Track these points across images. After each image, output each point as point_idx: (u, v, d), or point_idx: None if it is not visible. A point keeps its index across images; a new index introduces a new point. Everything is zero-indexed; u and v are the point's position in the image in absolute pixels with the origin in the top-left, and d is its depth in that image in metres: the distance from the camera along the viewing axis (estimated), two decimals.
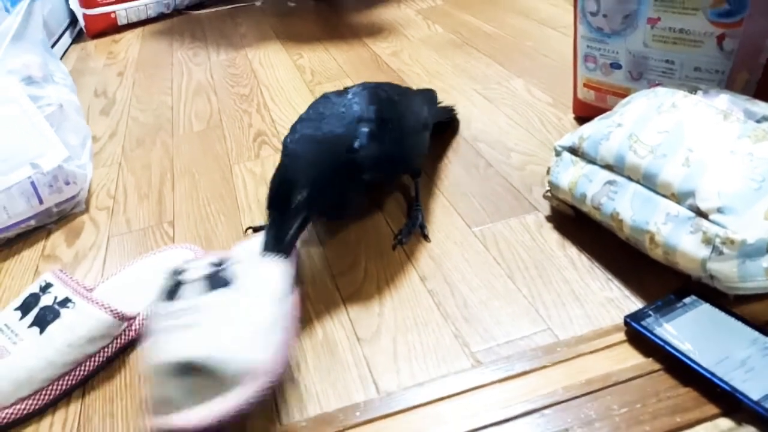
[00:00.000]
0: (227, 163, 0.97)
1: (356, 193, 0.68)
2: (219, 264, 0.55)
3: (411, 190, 0.80)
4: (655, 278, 0.57)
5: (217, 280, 0.53)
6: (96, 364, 0.61)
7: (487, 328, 0.58)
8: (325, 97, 0.75)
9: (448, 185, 0.80)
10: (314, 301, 0.65)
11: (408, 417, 0.49)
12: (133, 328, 0.63)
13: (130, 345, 0.63)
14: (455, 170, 0.83)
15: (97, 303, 0.61)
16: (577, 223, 0.67)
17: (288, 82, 1.25)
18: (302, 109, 1.10)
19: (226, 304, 0.51)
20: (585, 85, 0.85)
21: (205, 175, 0.95)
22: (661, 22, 0.72)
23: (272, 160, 0.96)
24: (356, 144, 0.65)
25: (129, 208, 0.90)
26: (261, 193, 0.87)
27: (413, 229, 0.72)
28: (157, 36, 1.71)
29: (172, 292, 0.53)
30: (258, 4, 1.81)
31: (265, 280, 0.54)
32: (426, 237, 0.71)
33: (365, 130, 0.66)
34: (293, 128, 0.71)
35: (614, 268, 0.62)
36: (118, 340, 0.62)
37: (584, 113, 0.88)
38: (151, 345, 0.51)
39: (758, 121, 0.55)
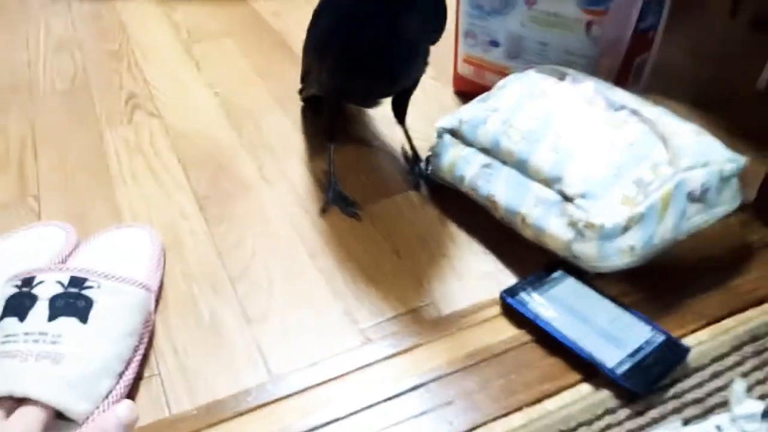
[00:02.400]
0: (97, 129, 0.91)
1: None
2: (78, 284, 0.53)
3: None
4: (527, 254, 0.62)
5: (69, 305, 0.51)
6: None
7: (376, 304, 0.60)
8: None
9: (336, 160, 0.81)
10: (200, 281, 0.64)
11: (300, 399, 0.51)
12: None
13: None
14: (345, 145, 0.83)
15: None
16: (457, 199, 0.71)
17: (162, 38, 1.17)
18: (179, 69, 1.06)
19: (68, 338, 0.49)
20: (465, 61, 0.88)
21: (73, 142, 0.88)
22: (537, 4, 0.76)
23: (147, 125, 0.91)
24: None
25: None
26: (136, 163, 0.82)
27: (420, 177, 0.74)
28: None
29: (21, 308, 0.51)
30: None
31: (121, 309, 0.53)
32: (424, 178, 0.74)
33: None
34: None
35: (491, 244, 0.66)
36: None
37: (464, 88, 0.92)
38: None
39: (617, 110, 0.61)
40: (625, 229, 0.54)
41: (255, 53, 1.09)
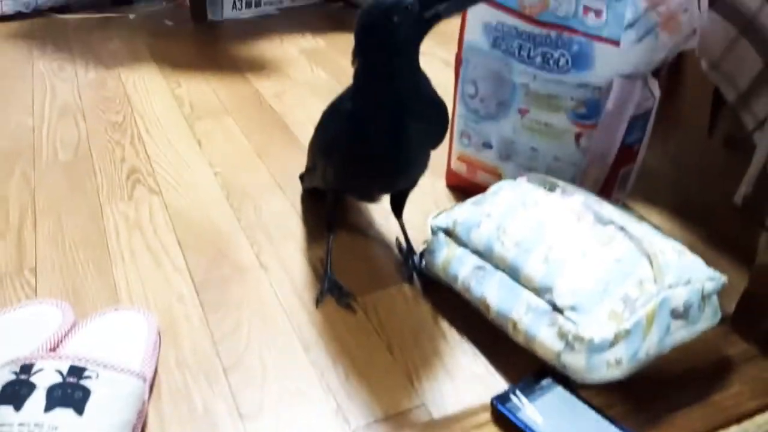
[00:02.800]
0: (97, 203, 0.93)
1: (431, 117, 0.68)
2: (77, 373, 0.53)
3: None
4: (517, 357, 0.64)
5: (66, 396, 0.52)
6: None
7: (368, 403, 0.61)
8: None
9: (334, 248, 0.83)
10: (194, 370, 0.64)
11: None
12: None
13: None
14: (340, 232, 0.86)
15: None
16: (450, 295, 0.73)
17: (165, 113, 1.21)
18: (180, 146, 1.09)
19: (63, 431, 0.50)
20: (459, 159, 0.92)
21: (73, 215, 0.90)
22: (530, 113, 0.81)
23: (147, 202, 0.93)
24: None
25: None
26: (135, 241, 0.84)
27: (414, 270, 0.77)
28: (14, 40, 1.58)
29: (17, 396, 0.51)
30: (131, 17, 1.73)
31: (117, 400, 0.54)
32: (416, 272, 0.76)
33: None
34: None
35: (481, 344, 0.68)
36: None
37: (456, 183, 0.95)
38: None
39: (605, 224, 0.64)
40: (613, 343, 0.56)
41: (256, 134, 1.13)
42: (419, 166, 0.71)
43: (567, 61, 0.73)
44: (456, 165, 0.93)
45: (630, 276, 0.59)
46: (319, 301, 0.74)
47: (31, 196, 0.94)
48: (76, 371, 0.54)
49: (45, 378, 0.53)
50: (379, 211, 0.91)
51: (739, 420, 0.58)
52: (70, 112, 1.20)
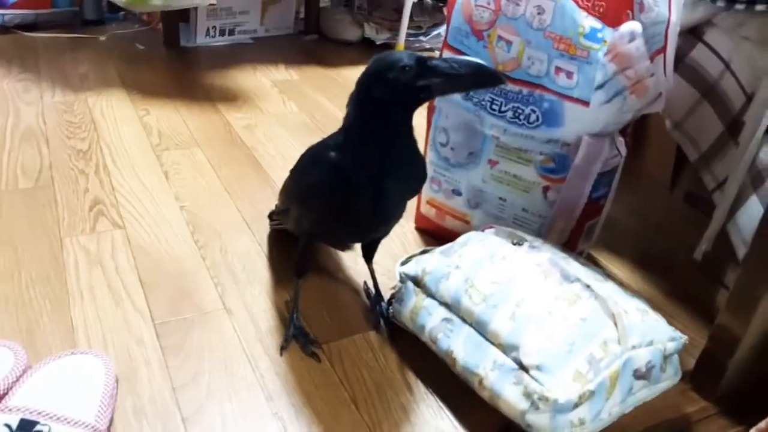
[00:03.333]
0: (57, 235, 0.90)
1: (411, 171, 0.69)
2: (27, 427, 0.51)
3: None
4: (483, 413, 0.64)
5: None
6: None
7: None
8: None
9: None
10: (151, 420, 0.62)
11: None
12: None
13: None
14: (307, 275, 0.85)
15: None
16: (416, 345, 0.72)
17: (132, 141, 1.19)
18: (147, 177, 1.08)
19: None
20: (428, 203, 0.93)
21: (30, 247, 0.87)
22: (499, 164, 0.82)
23: (109, 236, 0.90)
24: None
25: None
26: (95, 278, 0.82)
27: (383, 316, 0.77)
28: None
29: None
30: (102, 39, 1.71)
31: None
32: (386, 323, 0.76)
33: None
34: None
35: (446, 397, 0.67)
36: None
37: (425, 226, 0.96)
38: None
39: (571, 282, 0.65)
40: (577, 404, 0.57)
41: (225, 167, 1.12)
42: (396, 217, 0.71)
43: (537, 117, 0.75)
44: (425, 209, 0.94)
45: (595, 336, 0.60)
46: (283, 348, 0.72)
47: None
48: (27, 425, 0.51)
49: None
50: (348, 254, 0.90)
51: None
52: (33, 137, 1.17)
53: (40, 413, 0.53)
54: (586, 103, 0.71)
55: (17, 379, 0.63)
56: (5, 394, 0.62)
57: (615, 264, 0.92)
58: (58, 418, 0.53)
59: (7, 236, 0.89)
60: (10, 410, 0.52)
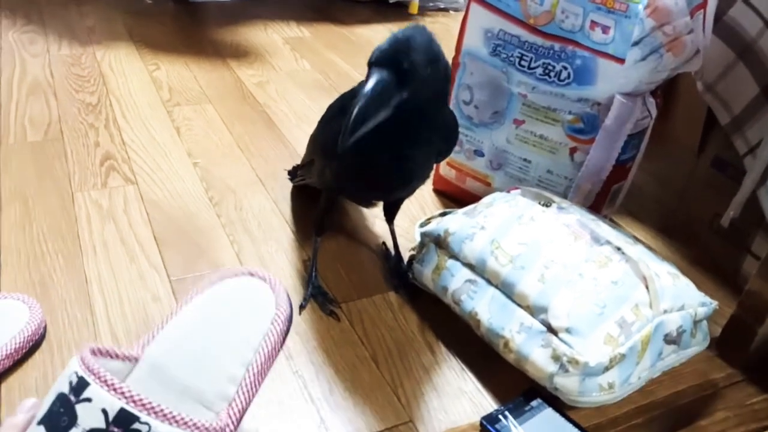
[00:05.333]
0: (68, 190, 0.88)
1: (434, 132, 0.63)
2: (123, 423, 0.41)
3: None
4: (505, 375, 0.63)
5: None
6: None
7: (352, 418, 0.59)
8: None
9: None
10: None
11: None
12: None
13: None
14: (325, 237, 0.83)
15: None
16: (436, 307, 0.71)
17: (142, 96, 1.16)
18: (158, 133, 1.05)
19: None
20: (448, 164, 0.90)
21: (41, 201, 0.85)
22: (525, 124, 0.79)
23: (122, 191, 0.88)
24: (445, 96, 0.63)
25: None
26: (108, 233, 0.80)
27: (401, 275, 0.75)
28: None
29: (57, 426, 0.41)
30: None
31: None
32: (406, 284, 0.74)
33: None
34: None
35: (469, 359, 0.66)
36: None
37: (443, 188, 0.94)
38: None
39: (601, 244, 0.63)
40: (607, 368, 0.55)
41: (237, 124, 1.09)
42: (421, 178, 0.69)
43: (568, 75, 0.72)
44: (445, 170, 0.91)
45: (626, 299, 0.58)
46: (302, 307, 0.71)
47: None
48: (124, 419, 0.41)
49: (88, 416, 0.41)
50: (366, 214, 0.88)
51: None
52: (40, 90, 1.14)
53: (150, 407, 0.42)
54: (621, 60, 0.68)
55: (32, 334, 0.62)
56: (21, 348, 0.61)
57: (637, 230, 0.90)
58: (166, 417, 0.42)
59: (17, 189, 0.87)
60: (116, 391, 0.42)
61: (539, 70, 0.74)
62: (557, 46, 0.72)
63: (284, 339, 0.50)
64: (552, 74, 0.73)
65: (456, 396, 0.62)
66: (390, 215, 0.77)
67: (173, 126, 1.07)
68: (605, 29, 0.68)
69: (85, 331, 0.65)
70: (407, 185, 0.70)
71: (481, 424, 0.57)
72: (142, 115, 1.09)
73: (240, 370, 0.47)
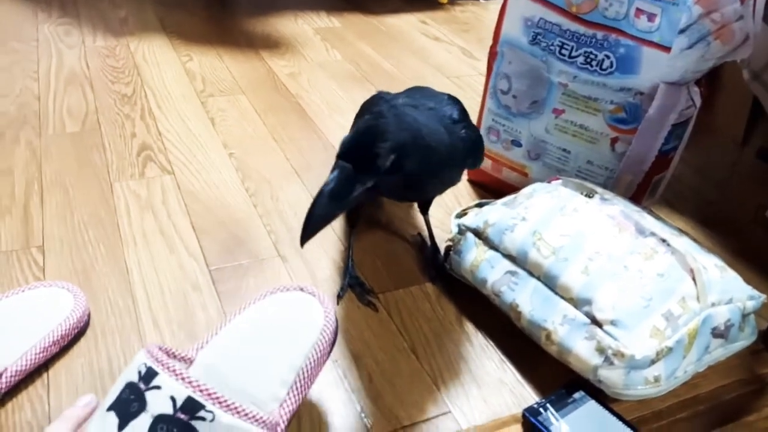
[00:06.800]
0: (107, 179, 0.89)
1: (442, 170, 0.64)
2: (191, 410, 0.43)
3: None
4: (546, 367, 0.62)
5: None
6: None
7: (392, 408, 0.59)
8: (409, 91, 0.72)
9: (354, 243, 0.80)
10: None
11: None
12: None
13: None
14: (360, 227, 0.83)
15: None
16: (474, 298, 0.71)
17: (176, 87, 1.17)
18: (193, 123, 1.06)
19: None
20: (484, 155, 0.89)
21: (81, 190, 0.86)
22: (564, 114, 0.78)
23: (159, 182, 0.89)
24: (456, 116, 0.64)
25: None
26: (147, 223, 0.81)
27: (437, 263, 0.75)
28: (18, 0, 1.52)
29: (127, 409, 0.43)
30: None
31: None
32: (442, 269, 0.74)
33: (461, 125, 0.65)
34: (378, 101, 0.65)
35: (509, 350, 0.66)
36: None
37: (479, 178, 0.93)
38: None
39: (646, 236, 0.62)
40: (654, 361, 0.54)
41: (271, 115, 1.09)
42: (451, 183, 0.69)
43: (611, 64, 0.71)
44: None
45: (673, 292, 0.57)
46: (340, 297, 0.71)
47: (38, 168, 0.90)
48: (191, 407, 0.43)
49: (156, 402, 0.43)
50: (401, 206, 0.88)
51: None
52: (77, 81, 1.16)
53: (211, 395, 0.44)
54: (666, 49, 0.67)
55: (77, 321, 0.63)
56: (67, 335, 0.62)
57: (677, 223, 0.88)
58: (228, 407, 0.44)
59: (58, 179, 0.88)
60: (183, 380, 0.44)
61: (580, 59, 0.73)
62: (600, 34, 0.70)
63: (331, 348, 0.54)
64: (594, 63, 0.72)
65: (496, 387, 0.62)
66: (424, 208, 0.77)
67: (208, 117, 1.07)
68: (651, 17, 0.66)
69: (127, 319, 0.66)
70: (439, 189, 0.70)
71: (524, 415, 0.56)
72: (177, 106, 1.10)
73: (291, 374, 0.50)
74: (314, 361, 0.51)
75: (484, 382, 0.62)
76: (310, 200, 0.52)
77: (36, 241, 0.76)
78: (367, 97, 0.75)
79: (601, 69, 0.72)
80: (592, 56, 0.72)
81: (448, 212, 0.84)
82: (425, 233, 0.80)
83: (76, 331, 0.63)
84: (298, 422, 0.57)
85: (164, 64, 1.25)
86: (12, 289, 0.66)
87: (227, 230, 0.80)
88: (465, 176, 0.95)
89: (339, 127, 1.06)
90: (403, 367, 0.63)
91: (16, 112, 1.04)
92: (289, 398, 0.48)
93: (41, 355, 0.59)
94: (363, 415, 0.58)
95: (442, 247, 0.77)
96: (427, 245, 0.79)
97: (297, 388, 0.49)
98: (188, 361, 0.51)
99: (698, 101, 0.74)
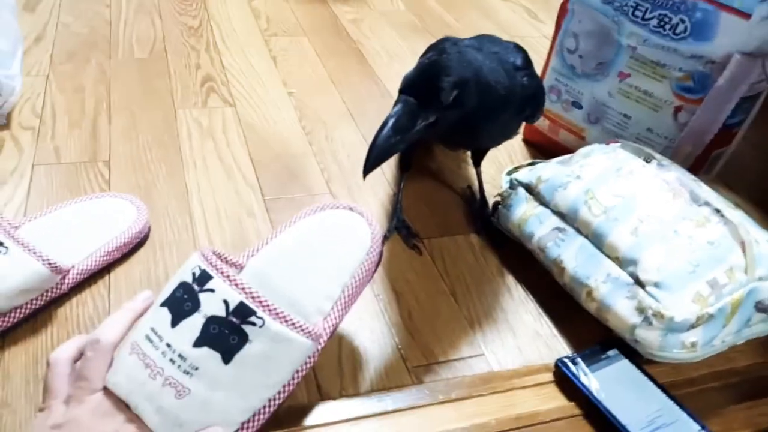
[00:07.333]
0: (171, 106, 0.92)
1: (501, 118, 0.64)
2: (242, 314, 0.45)
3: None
4: (583, 325, 0.63)
5: (221, 337, 0.44)
6: (20, 316, 0.57)
7: (428, 344, 0.61)
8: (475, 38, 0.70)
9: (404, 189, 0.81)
10: None
11: (350, 428, 0.52)
12: (66, 282, 0.60)
13: (59, 300, 0.60)
14: (411, 174, 0.84)
15: (33, 251, 0.57)
16: (518, 252, 0.72)
17: (241, 24, 1.19)
18: (256, 60, 1.07)
19: (203, 375, 0.44)
20: (543, 114, 0.89)
21: (146, 113, 0.89)
22: (630, 78, 0.77)
23: (220, 112, 0.92)
24: (519, 63, 0.64)
25: (58, 134, 0.83)
26: (207, 149, 0.84)
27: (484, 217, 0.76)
28: None
29: (180, 308, 0.45)
30: None
31: (272, 362, 0.45)
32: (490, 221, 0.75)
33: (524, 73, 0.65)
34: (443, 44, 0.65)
35: (547, 305, 0.67)
36: (48, 294, 0.59)
37: (534, 139, 0.93)
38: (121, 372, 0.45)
39: (700, 205, 0.62)
40: (693, 325, 0.55)
41: (330, 58, 1.10)
42: (508, 132, 0.69)
43: (685, 29, 0.69)
44: (538, 120, 0.90)
45: (722, 261, 0.57)
46: (386, 238, 0.73)
47: (107, 88, 0.94)
48: (242, 311, 0.45)
49: (210, 304, 0.45)
50: (454, 157, 0.89)
51: None
52: (146, 10, 1.19)
53: (262, 302, 0.45)
54: (747, 16, 0.64)
55: (139, 232, 0.66)
56: (129, 243, 0.65)
57: (734, 199, 0.86)
58: (278, 315, 0.46)
59: (125, 102, 0.91)
60: (236, 285, 0.46)
61: (654, 22, 0.71)
62: None
63: (375, 269, 0.55)
64: (667, 27, 0.70)
65: (531, 338, 0.63)
66: (477, 160, 0.78)
67: (270, 55, 1.09)
68: None
69: (184, 235, 0.69)
70: (495, 141, 0.71)
71: (557, 365, 0.58)
72: (241, 42, 1.12)
73: (336, 290, 0.51)
74: (359, 279, 0.52)
75: (520, 331, 0.64)
76: (364, 144, 0.53)
77: (103, 156, 0.80)
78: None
79: (674, 33, 0.70)
80: (666, 19, 0.70)
81: (500, 169, 0.84)
82: (475, 186, 0.81)
83: (137, 240, 0.67)
84: (338, 345, 0.59)
85: (231, 1, 1.27)
86: (80, 196, 0.70)
87: (282, 164, 0.83)
88: (521, 135, 0.95)
89: (397, 75, 1.05)
90: (442, 309, 0.65)
91: (88, 34, 1.08)
92: (333, 313, 0.50)
93: (104, 258, 0.63)
94: (399, 347, 0.60)
95: (490, 201, 0.78)
96: (475, 198, 0.80)
97: (341, 304, 0.51)
98: (239, 267, 0.53)
99: None
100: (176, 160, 0.81)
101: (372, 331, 0.62)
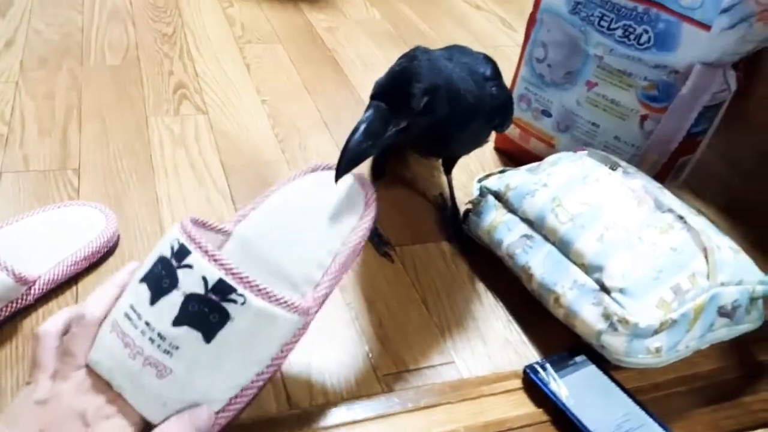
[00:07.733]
0: (143, 113, 0.92)
1: (471, 126, 0.64)
2: (222, 292, 0.42)
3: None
4: (552, 331, 0.64)
5: (200, 315, 0.42)
6: None
7: (398, 352, 0.61)
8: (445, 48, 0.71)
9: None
10: None
11: None
12: (32, 292, 0.59)
13: (24, 311, 0.59)
14: (382, 182, 0.85)
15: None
16: (488, 260, 0.72)
17: (216, 31, 1.18)
18: (229, 67, 1.07)
19: (183, 354, 0.42)
20: (513, 122, 0.90)
21: (118, 121, 0.89)
22: (597, 87, 0.78)
23: (193, 120, 0.92)
24: (488, 73, 0.64)
25: (27, 141, 0.82)
26: (179, 157, 0.83)
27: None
28: None
29: (159, 284, 0.43)
30: None
31: (255, 338, 0.44)
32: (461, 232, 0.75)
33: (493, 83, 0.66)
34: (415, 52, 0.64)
35: (516, 313, 0.68)
36: (13, 305, 0.58)
37: (505, 147, 0.94)
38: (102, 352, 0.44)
39: (664, 212, 0.63)
40: (657, 331, 0.56)
41: (305, 66, 1.10)
42: (478, 140, 0.70)
43: (649, 39, 0.70)
44: (509, 129, 0.91)
45: (684, 267, 0.58)
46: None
47: (78, 95, 0.93)
48: (222, 289, 0.42)
49: (188, 281, 0.43)
50: (425, 165, 0.89)
51: (766, 425, 0.59)
52: (119, 17, 1.18)
53: (242, 278, 0.43)
54: (707, 27, 0.66)
55: (107, 240, 0.66)
56: (97, 252, 0.65)
57: (699, 207, 0.88)
58: (260, 291, 0.43)
59: (96, 109, 0.91)
60: (215, 261, 0.43)
61: (619, 32, 0.73)
62: (641, 7, 0.70)
63: (369, 235, 0.52)
64: (632, 37, 0.72)
65: (501, 345, 0.64)
66: (448, 167, 0.78)
67: (244, 62, 1.09)
68: None
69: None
70: (464, 149, 0.71)
71: (525, 372, 0.58)
72: (215, 49, 1.12)
73: (327, 258, 0.49)
74: (352, 247, 0.49)
75: (490, 338, 0.64)
76: (338, 152, 0.52)
77: (72, 164, 0.79)
78: None
79: (638, 43, 0.71)
80: (630, 29, 0.72)
81: (472, 177, 0.85)
82: (447, 194, 0.81)
83: (105, 249, 0.66)
84: (309, 355, 0.59)
85: (205, 8, 1.27)
86: (48, 205, 0.69)
87: (255, 171, 0.83)
88: (491, 144, 0.96)
89: (372, 83, 1.06)
90: (413, 317, 0.66)
91: (59, 40, 1.07)
92: (324, 282, 0.48)
93: (72, 268, 0.62)
94: (370, 355, 0.61)
95: (462, 209, 0.79)
96: (447, 206, 0.81)
97: (332, 273, 0.48)
98: (226, 234, 0.51)
99: (733, 85, 0.74)
100: (147, 168, 0.80)
101: (343, 339, 0.62)
